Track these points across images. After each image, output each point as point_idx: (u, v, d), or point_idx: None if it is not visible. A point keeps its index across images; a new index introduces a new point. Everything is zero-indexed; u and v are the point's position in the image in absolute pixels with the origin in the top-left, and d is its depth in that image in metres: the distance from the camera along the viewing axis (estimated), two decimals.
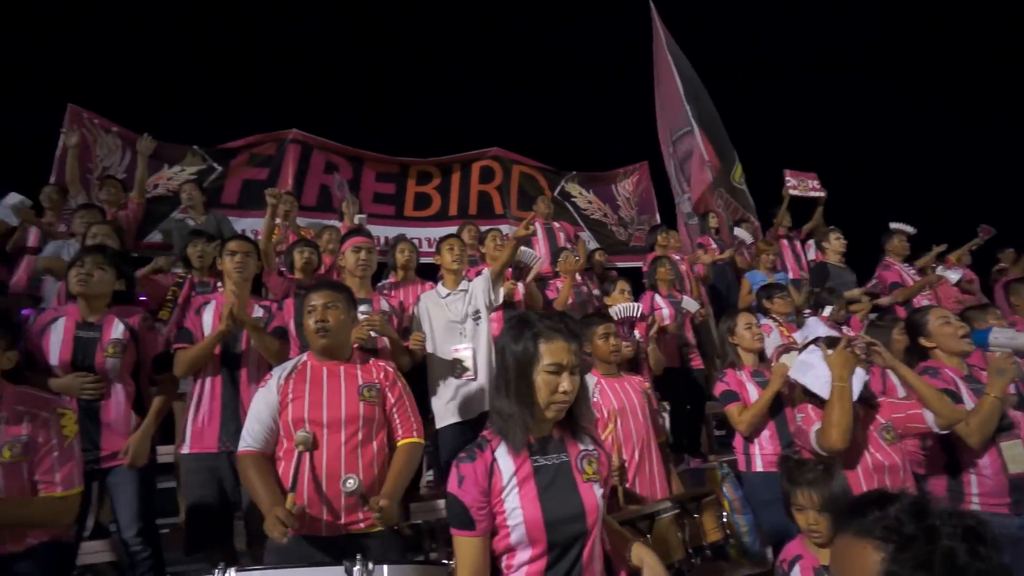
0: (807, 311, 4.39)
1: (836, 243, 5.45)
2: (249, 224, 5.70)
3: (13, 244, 4.55)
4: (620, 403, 2.71)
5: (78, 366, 2.57)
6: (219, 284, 3.32)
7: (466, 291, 3.41)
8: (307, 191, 6.12)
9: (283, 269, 4.08)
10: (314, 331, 2.14)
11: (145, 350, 2.77)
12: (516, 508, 1.44)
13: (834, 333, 4.04)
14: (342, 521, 1.98)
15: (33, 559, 1.90)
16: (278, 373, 2.15)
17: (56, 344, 2.57)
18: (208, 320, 2.82)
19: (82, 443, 2.20)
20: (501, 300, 3.43)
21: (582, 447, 1.59)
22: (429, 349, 3.24)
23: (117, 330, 2.67)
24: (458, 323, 3.30)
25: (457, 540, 1.43)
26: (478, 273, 4.58)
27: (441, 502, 3.38)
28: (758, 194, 7.17)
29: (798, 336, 3.84)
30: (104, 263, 2.68)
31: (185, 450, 2.76)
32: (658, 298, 4.62)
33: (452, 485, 1.45)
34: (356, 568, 1.32)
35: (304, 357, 2.22)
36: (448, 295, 3.39)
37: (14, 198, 4.52)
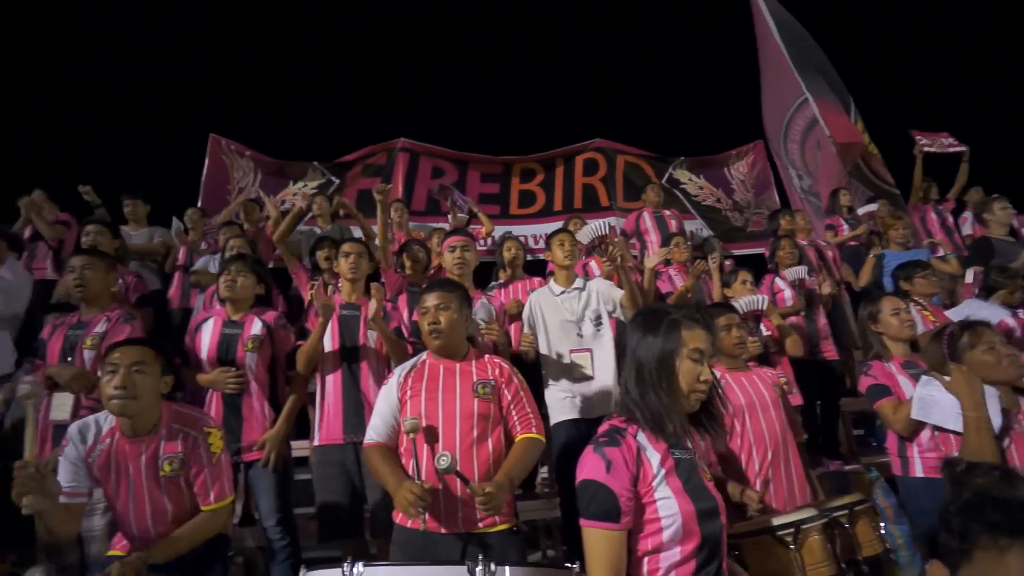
0: (975, 292, 3.81)
1: (1001, 213, 4.69)
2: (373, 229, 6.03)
3: (171, 265, 5.15)
4: (748, 398, 2.50)
5: (222, 360, 2.81)
6: (338, 285, 3.53)
7: (581, 289, 3.32)
8: (416, 197, 6.37)
9: (397, 269, 4.26)
10: (427, 333, 2.18)
11: (279, 347, 2.97)
12: (669, 498, 1.35)
13: (1003, 316, 3.49)
14: (462, 518, 1.99)
15: (205, 546, 2.10)
16: (399, 371, 2.21)
17: (206, 341, 2.85)
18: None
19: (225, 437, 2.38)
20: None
21: (702, 444, 1.53)
22: (543, 348, 3.20)
23: (256, 327, 2.90)
24: (573, 323, 3.22)
25: (594, 535, 1.32)
26: (584, 267, 4.50)
27: (557, 500, 3.32)
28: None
29: (953, 317, 3.35)
30: (246, 270, 2.95)
31: (316, 442, 2.94)
32: (779, 280, 4.26)
33: (594, 471, 1.34)
34: (479, 568, 1.29)
35: (424, 356, 2.27)
36: (562, 293, 3.31)
37: (177, 224, 5.14)
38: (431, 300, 2.21)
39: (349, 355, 2.98)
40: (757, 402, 2.49)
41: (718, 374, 2.56)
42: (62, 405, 2.53)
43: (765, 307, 3.58)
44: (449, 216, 5.67)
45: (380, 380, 2.94)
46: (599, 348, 3.17)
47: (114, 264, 2.98)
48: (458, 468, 1.87)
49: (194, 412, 2.21)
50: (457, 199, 5.96)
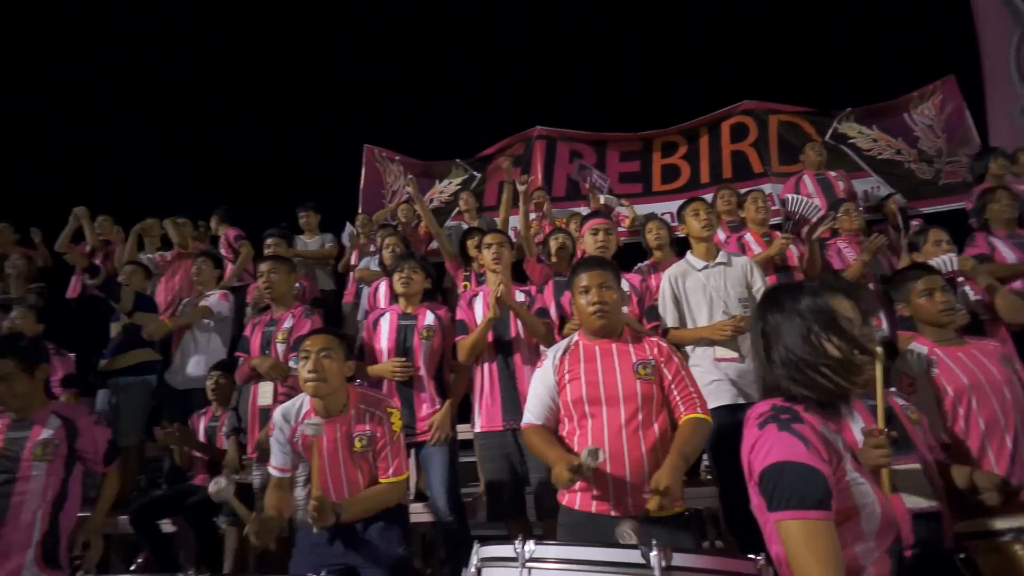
0: None
1: None
2: (511, 222, 6.16)
3: (344, 265, 5.70)
4: (972, 378, 2.13)
5: (399, 349, 3.06)
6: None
7: (726, 264, 3.08)
8: (556, 183, 6.37)
9: (542, 258, 4.28)
10: (591, 312, 2.11)
11: (448, 338, 3.15)
12: (863, 484, 1.17)
13: None
14: (631, 502, 1.93)
15: (386, 519, 2.30)
16: (552, 353, 2.18)
17: (384, 333, 3.11)
18: (479, 310, 3.08)
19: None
20: None
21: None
22: (689, 325, 3.01)
23: (428, 318, 3.12)
24: (719, 299, 2.99)
25: (804, 529, 1.08)
26: (740, 240, 4.15)
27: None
28: None
29: None
30: (417, 267, 3.18)
31: (477, 429, 3.07)
32: (994, 239, 3.56)
33: (789, 451, 1.13)
34: (653, 554, 1.22)
35: (575, 337, 2.23)
36: (705, 267, 3.09)
37: (349, 228, 5.67)
38: (592, 278, 2.14)
39: (503, 346, 3.07)
40: (985, 381, 2.11)
41: (925, 349, 2.24)
42: (265, 392, 2.91)
43: (963, 266, 3.02)
44: (589, 198, 5.57)
45: (535, 368, 3.03)
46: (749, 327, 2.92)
47: (294, 266, 3.36)
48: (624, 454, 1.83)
49: (377, 394, 2.43)
50: (595, 179, 5.85)
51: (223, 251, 5.36)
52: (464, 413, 3.38)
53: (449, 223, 6.16)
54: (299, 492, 2.93)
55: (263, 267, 3.17)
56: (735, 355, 2.89)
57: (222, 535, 3.55)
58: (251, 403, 3.07)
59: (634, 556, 1.24)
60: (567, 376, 2.10)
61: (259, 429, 2.98)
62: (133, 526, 3.56)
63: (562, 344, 2.22)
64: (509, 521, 3.01)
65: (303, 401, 2.34)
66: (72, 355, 4.24)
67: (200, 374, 4.19)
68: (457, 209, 6.13)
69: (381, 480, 2.27)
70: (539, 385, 2.16)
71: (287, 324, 3.11)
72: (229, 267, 5.26)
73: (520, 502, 2.97)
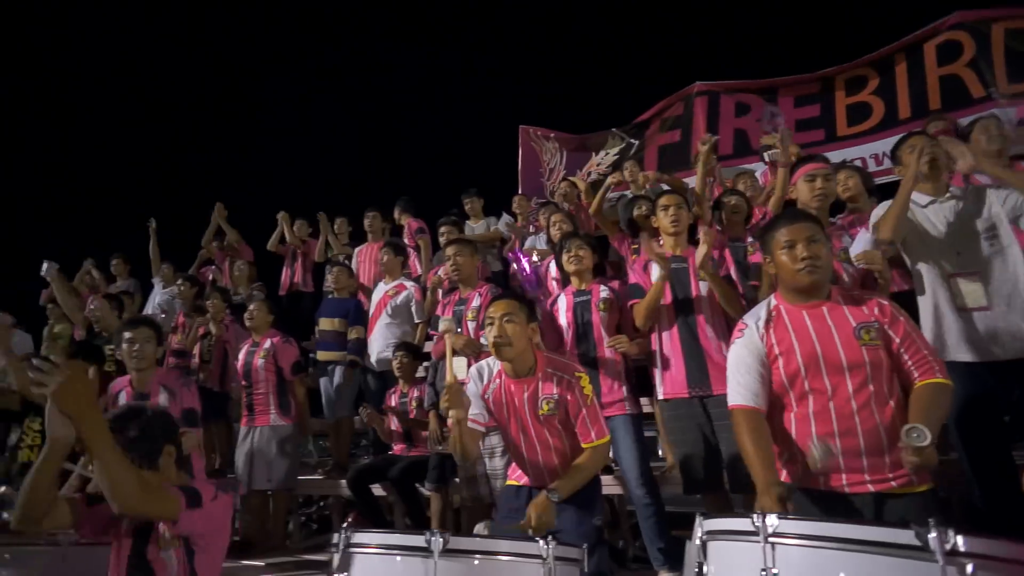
0: None
1: None
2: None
3: (509, 249, 5.88)
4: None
5: (578, 326, 3.12)
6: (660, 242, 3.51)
7: (959, 197, 2.59)
8: (722, 140, 5.91)
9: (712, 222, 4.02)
10: (800, 269, 1.87)
11: (626, 311, 3.13)
12: None
13: None
14: (870, 477, 1.73)
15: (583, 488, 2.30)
16: (753, 321, 1.98)
17: (562, 312, 3.20)
18: (655, 275, 2.96)
19: None
20: None
21: None
22: (922, 269, 2.60)
23: (603, 292, 3.14)
24: (952, 239, 2.54)
25: None
26: (966, 178, 3.49)
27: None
28: None
29: None
30: (584, 244, 3.22)
31: (660, 396, 2.98)
32: None
33: None
34: (932, 535, 1.07)
35: (773, 301, 2.01)
36: (931, 203, 2.62)
37: (506, 217, 5.86)
38: (797, 232, 1.90)
39: (684, 308, 2.94)
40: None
41: None
42: (460, 367, 3.09)
43: None
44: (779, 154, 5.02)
45: (718, 331, 2.88)
46: (995, 269, 2.44)
47: (476, 248, 3.54)
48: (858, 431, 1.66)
49: (564, 360, 2.45)
50: (780, 123, 5.32)
51: (406, 239, 5.81)
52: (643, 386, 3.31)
53: (610, 195, 6.04)
54: (498, 462, 3.11)
55: (449, 251, 3.40)
56: (981, 301, 2.44)
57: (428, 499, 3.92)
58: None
59: (906, 536, 1.10)
60: (776, 348, 1.89)
61: None
62: (351, 489, 4.08)
63: (760, 311, 2.00)
64: (705, 494, 2.91)
65: (495, 363, 2.43)
66: (295, 343, 4.88)
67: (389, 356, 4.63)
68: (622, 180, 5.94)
69: (584, 446, 2.27)
70: (747, 358, 1.94)
71: (475, 303, 3.29)
72: (411, 254, 5.71)
73: (717, 473, 2.84)
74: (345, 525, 1.70)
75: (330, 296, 5.28)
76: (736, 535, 1.38)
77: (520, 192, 6.52)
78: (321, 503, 6.21)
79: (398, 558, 1.57)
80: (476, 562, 1.57)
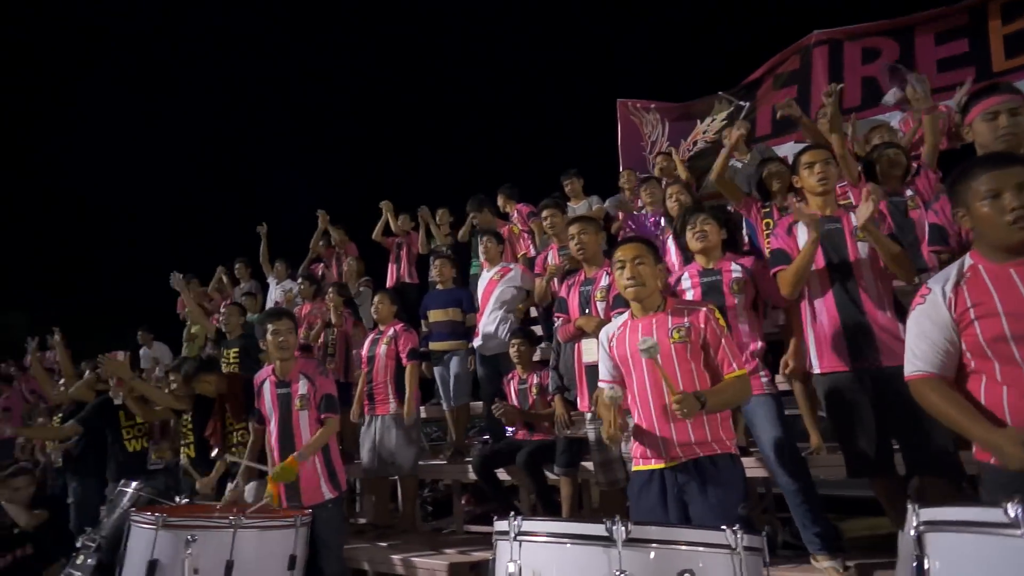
0: None
1: None
2: (788, 149, 5.41)
3: (617, 228, 5.70)
4: None
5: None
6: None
7: None
8: (849, 90, 5.33)
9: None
10: (1010, 221, 1.60)
11: (763, 285, 2.89)
12: None
13: None
14: None
15: (726, 475, 2.18)
16: (939, 285, 1.72)
17: (688, 293, 2.96)
18: (802, 237, 2.70)
19: None
20: None
21: None
22: None
23: (735, 271, 2.90)
24: None
25: None
26: None
27: None
28: None
29: None
30: (709, 218, 3.01)
31: (817, 370, 2.72)
32: None
33: None
34: None
35: (968, 260, 1.74)
36: None
37: (616, 198, 5.67)
38: (1003, 180, 1.62)
39: (840, 273, 2.64)
40: None
41: None
42: (590, 349, 3.00)
43: None
44: (915, 102, 4.47)
45: (883, 298, 2.59)
46: None
47: (601, 226, 3.40)
48: None
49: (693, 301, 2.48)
50: (910, 78, 4.72)
51: (519, 226, 5.78)
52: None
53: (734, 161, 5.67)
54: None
55: (573, 229, 3.25)
56: None
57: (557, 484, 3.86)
58: (576, 361, 3.20)
59: None
60: (972, 311, 1.64)
61: (587, 385, 3.09)
62: (477, 474, 4.10)
63: (949, 272, 1.74)
64: (874, 477, 2.62)
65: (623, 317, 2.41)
66: (416, 332, 4.99)
67: (503, 340, 4.62)
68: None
69: (726, 376, 2.22)
70: (926, 323, 1.72)
71: (603, 282, 3.15)
72: (520, 240, 5.66)
73: (888, 454, 2.56)
74: (512, 513, 1.64)
75: (438, 287, 5.36)
76: (973, 527, 1.26)
77: (622, 168, 6.29)
78: (431, 487, 6.42)
79: (577, 547, 1.48)
80: (661, 551, 1.46)
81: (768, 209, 3.69)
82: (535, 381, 4.14)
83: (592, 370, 2.94)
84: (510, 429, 4.34)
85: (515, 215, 6.01)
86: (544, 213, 4.59)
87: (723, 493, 2.13)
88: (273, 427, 3.24)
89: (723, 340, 2.23)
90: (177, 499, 3.22)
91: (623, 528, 1.41)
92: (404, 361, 4.48)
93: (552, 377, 3.79)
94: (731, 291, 2.86)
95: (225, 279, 7.92)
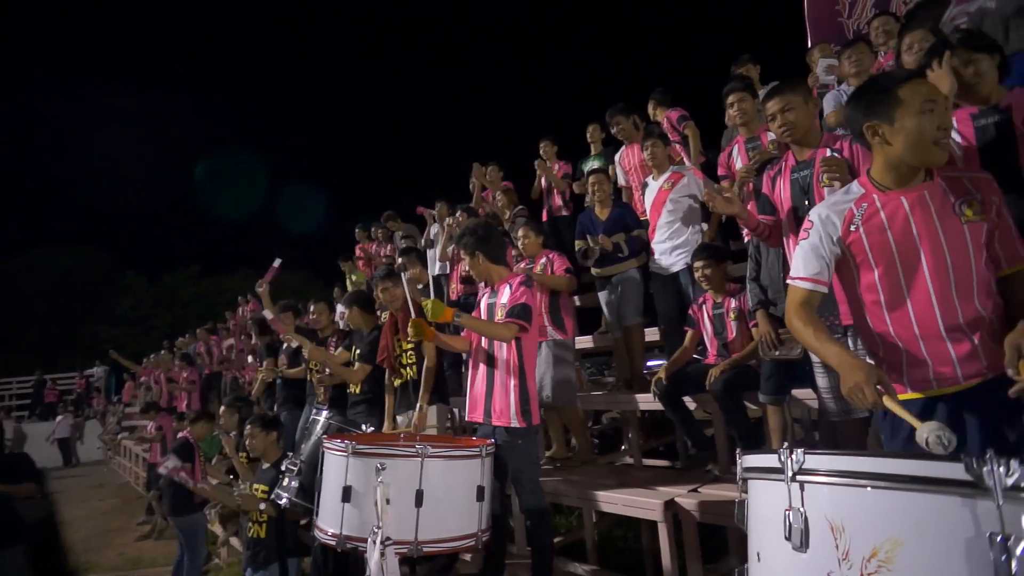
0: None
1: None
2: None
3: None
4: None
5: None
6: None
7: None
8: None
9: None
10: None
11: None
12: None
13: None
14: None
15: None
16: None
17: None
18: None
19: None
20: None
21: None
22: None
23: None
24: None
25: None
26: None
27: None
28: None
29: None
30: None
31: None
32: None
33: None
34: None
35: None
36: None
37: (826, 62, 4.64)
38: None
39: None
40: None
41: None
42: None
43: None
44: None
45: None
46: None
47: (810, 92, 2.61)
48: None
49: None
50: None
51: (669, 134, 5.06)
52: None
53: (958, 8, 4.33)
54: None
55: (772, 106, 2.47)
56: None
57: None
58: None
59: None
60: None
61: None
62: (663, 402, 3.66)
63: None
64: None
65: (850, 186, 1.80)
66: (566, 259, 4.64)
67: (680, 259, 4.13)
68: None
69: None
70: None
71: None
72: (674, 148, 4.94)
73: None
74: (787, 444, 1.18)
75: (596, 210, 4.85)
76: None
77: (809, 44, 5.15)
78: (593, 421, 6.14)
79: (911, 495, 0.98)
80: None
81: None
82: (733, 305, 3.55)
83: None
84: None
85: (665, 122, 5.25)
86: (731, 98, 3.80)
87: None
88: (474, 340, 3.08)
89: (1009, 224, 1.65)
90: (363, 427, 3.24)
91: (1003, 469, 0.88)
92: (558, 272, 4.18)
93: (751, 290, 3.19)
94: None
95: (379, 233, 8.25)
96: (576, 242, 4.70)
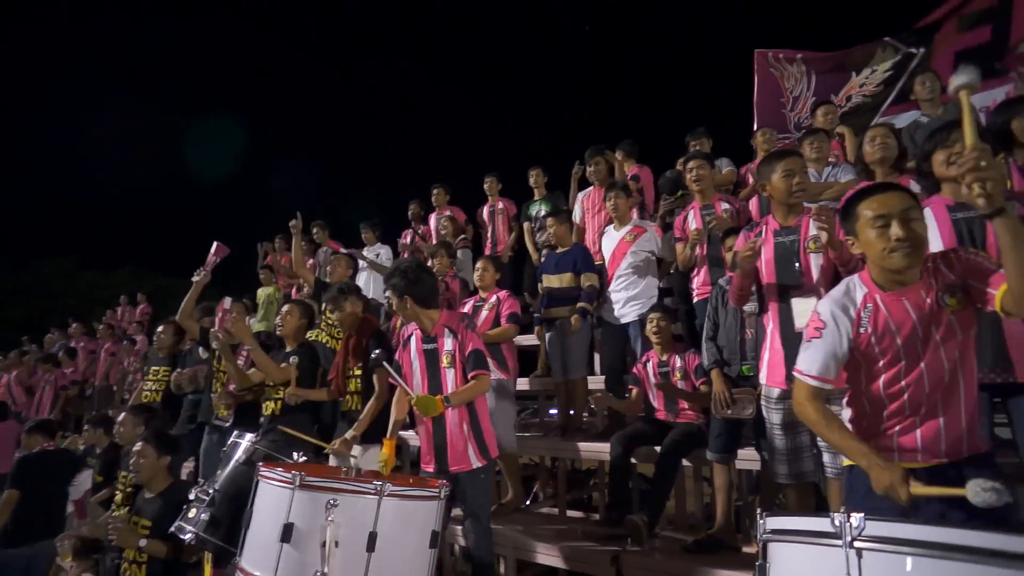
0: None
1: None
2: (978, 100, 4.55)
3: (748, 194, 5.03)
4: None
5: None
6: None
7: None
8: None
9: None
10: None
11: None
12: None
13: None
14: None
15: None
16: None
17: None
18: None
19: None
20: None
21: None
22: None
23: None
24: None
25: None
26: None
27: None
28: None
29: None
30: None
31: None
32: None
33: None
34: None
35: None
36: None
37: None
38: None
39: None
40: None
41: None
42: (803, 313, 2.42)
43: None
44: None
45: None
46: None
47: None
48: None
49: None
50: None
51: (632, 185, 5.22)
52: None
53: (884, 119, 4.88)
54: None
55: (789, 164, 2.58)
56: None
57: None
58: (774, 324, 2.60)
59: None
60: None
61: (785, 360, 2.51)
62: (614, 455, 3.56)
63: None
64: None
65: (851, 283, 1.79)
66: (518, 300, 4.58)
67: (634, 310, 4.17)
68: (890, 100, 4.79)
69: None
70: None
71: (812, 231, 2.53)
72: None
73: None
74: (843, 508, 1.14)
75: (555, 250, 4.86)
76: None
77: (756, 126, 5.56)
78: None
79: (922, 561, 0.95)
80: None
81: None
82: (678, 364, 3.59)
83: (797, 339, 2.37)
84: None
85: (629, 176, 5.45)
86: (690, 164, 3.99)
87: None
88: (418, 383, 2.89)
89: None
90: (295, 456, 2.91)
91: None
92: (503, 323, 4.09)
93: (708, 349, 3.25)
94: None
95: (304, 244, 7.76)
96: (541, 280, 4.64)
